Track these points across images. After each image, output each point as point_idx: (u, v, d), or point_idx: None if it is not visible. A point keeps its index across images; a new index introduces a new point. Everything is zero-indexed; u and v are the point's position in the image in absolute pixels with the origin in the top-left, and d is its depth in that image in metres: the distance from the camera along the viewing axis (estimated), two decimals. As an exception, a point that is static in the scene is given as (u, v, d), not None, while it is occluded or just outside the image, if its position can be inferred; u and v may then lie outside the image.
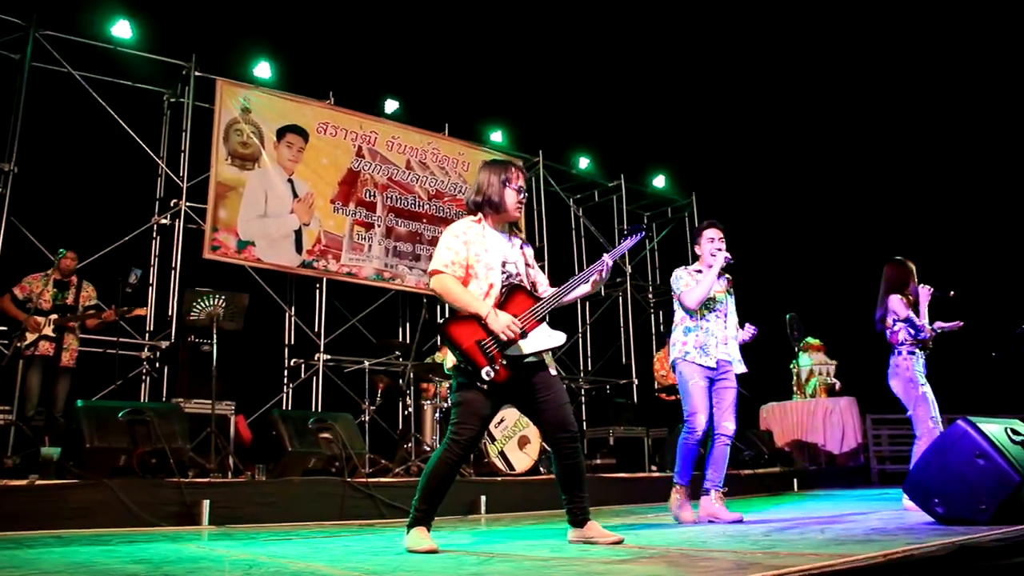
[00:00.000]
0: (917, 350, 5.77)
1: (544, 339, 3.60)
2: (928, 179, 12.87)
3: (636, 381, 12.50)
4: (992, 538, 3.30)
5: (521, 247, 3.84)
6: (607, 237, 12.79)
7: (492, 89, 11.24)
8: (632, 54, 12.64)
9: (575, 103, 12.39)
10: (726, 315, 5.20)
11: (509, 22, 11.10)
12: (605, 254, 3.79)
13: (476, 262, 3.63)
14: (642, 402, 11.96)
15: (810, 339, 11.32)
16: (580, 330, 12.84)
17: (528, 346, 3.55)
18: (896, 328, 5.80)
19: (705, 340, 5.04)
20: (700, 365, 4.98)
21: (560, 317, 12.04)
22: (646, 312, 13.68)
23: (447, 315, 3.59)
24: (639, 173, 13.28)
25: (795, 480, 9.31)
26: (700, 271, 5.17)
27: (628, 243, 4.03)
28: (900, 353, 5.79)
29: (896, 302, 5.83)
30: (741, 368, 5.14)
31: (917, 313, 5.81)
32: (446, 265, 3.60)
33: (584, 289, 3.80)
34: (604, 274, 3.78)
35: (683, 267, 5.29)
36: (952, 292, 5.86)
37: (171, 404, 6.80)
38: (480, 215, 3.77)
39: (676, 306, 5.25)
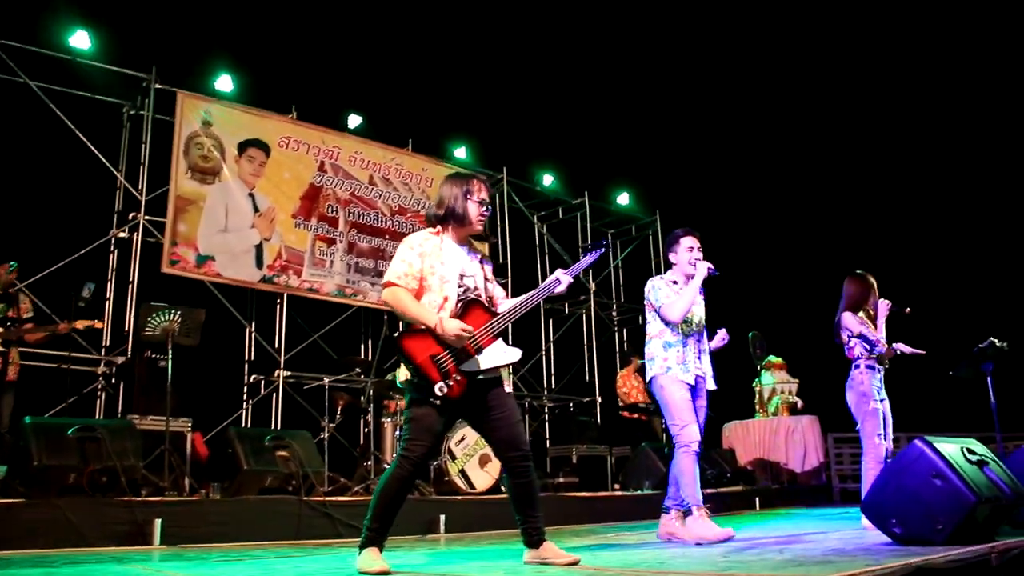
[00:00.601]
0: (876, 365, 5.81)
1: (500, 355, 3.56)
2: (890, 196, 13.07)
3: (600, 399, 12.47)
4: (948, 559, 3.30)
5: (481, 262, 3.79)
6: (571, 254, 12.79)
7: (456, 105, 11.24)
8: (597, 71, 12.71)
9: (539, 120, 12.42)
10: (703, 329, 5.09)
11: (474, 38, 11.12)
12: (560, 270, 3.76)
13: (431, 274, 3.58)
14: (605, 420, 11.95)
15: (772, 357, 11.39)
16: (543, 347, 12.80)
17: (483, 362, 3.51)
18: (851, 344, 5.85)
19: (684, 355, 4.90)
20: (682, 380, 4.84)
21: (523, 333, 12.07)
22: (610, 330, 13.68)
23: (401, 328, 3.53)
24: (603, 190, 13.32)
25: (757, 499, 9.33)
26: (676, 281, 5.02)
27: (587, 260, 4.01)
28: (858, 367, 5.82)
29: (848, 319, 5.88)
30: (712, 385, 5.03)
31: (876, 327, 5.86)
32: (399, 277, 3.55)
33: (537, 300, 3.77)
34: (560, 291, 3.75)
35: (657, 277, 5.11)
36: (908, 309, 5.92)
37: (123, 421, 6.64)
38: (439, 228, 3.72)
39: (652, 318, 5.05)
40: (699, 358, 4.98)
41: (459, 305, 3.55)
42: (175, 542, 5.07)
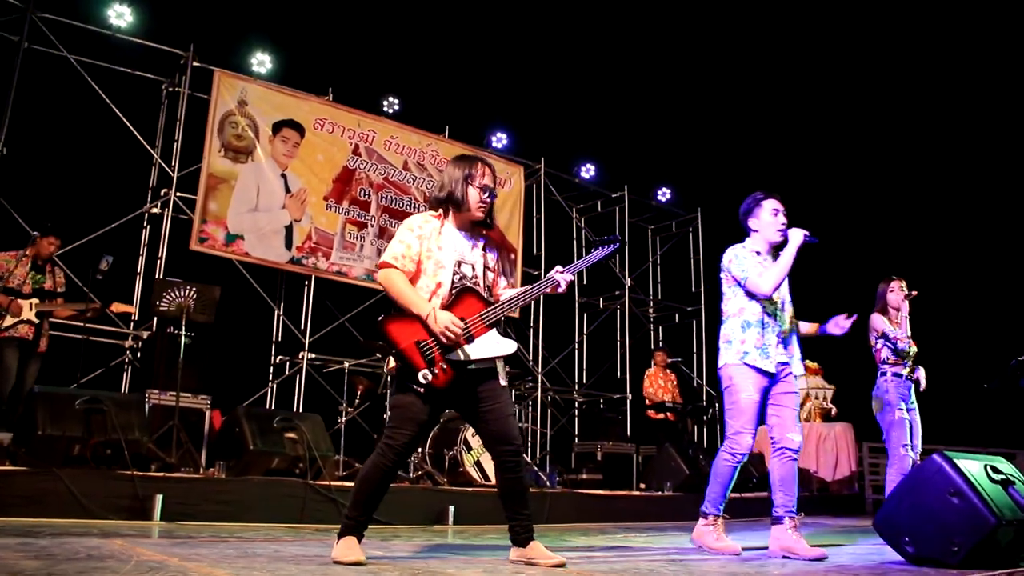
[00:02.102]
0: (902, 372, 5.58)
1: (492, 346, 3.42)
2: (934, 202, 12.63)
3: (630, 396, 12.26)
4: (955, 583, 3.09)
5: (485, 249, 3.64)
6: (608, 248, 12.58)
7: (496, 93, 11.10)
8: (640, 64, 12.47)
9: (581, 111, 12.23)
10: (790, 309, 4.47)
11: (516, 25, 10.96)
12: (558, 268, 3.59)
13: (427, 258, 3.46)
14: (635, 419, 11.75)
15: (807, 362, 11.07)
16: (576, 341, 12.64)
17: (474, 352, 3.37)
18: (878, 346, 5.64)
19: (766, 339, 4.29)
20: (758, 371, 4.23)
21: (556, 326, 11.92)
22: (644, 327, 13.45)
23: (388, 313, 3.41)
24: (644, 185, 13.07)
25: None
26: (758, 252, 4.41)
27: (594, 256, 3.75)
28: (884, 374, 5.63)
29: (876, 319, 5.70)
30: (800, 369, 4.39)
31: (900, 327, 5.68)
32: (395, 258, 3.43)
33: (533, 296, 3.62)
34: (560, 291, 3.59)
35: (738, 245, 4.46)
36: (914, 292, 5.69)
37: (131, 395, 6.67)
38: (440, 211, 3.60)
39: (731, 294, 4.42)
40: (783, 343, 4.34)
41: (452, 292, 3.42)
42: (175, 519, 5.04)
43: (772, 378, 4.29)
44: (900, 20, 12.15)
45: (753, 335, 4.28)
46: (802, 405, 10.78)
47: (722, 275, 4.49)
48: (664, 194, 13.21)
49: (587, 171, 12.40)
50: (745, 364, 4.25)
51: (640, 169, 12.95)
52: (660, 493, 8.48)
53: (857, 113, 12.97)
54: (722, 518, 4.39)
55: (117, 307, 6.98)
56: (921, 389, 5.69)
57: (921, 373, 5.67)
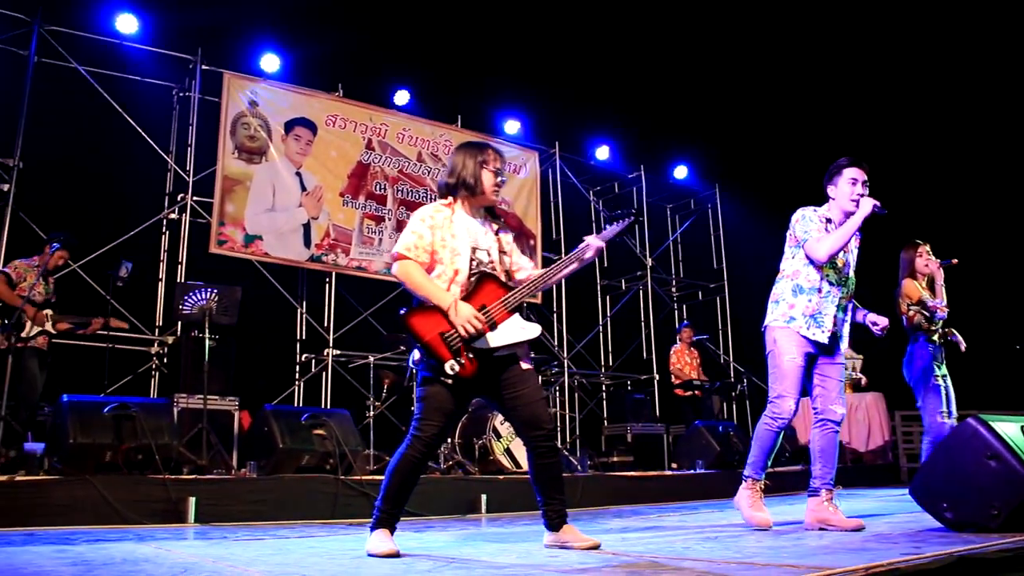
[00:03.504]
0: (935, 339, 5.49)
1: (515, 331, 3.38)
2: (961, 170, 12.42)
3: (657, 376, 12.19)
4: (999, 547, 3.03)
5: (497, 233, 3.61)
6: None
7: (506, 79, 11.00)
8: (650, 41, 12.32)
9: (592, 93, 12.10)
10: (851, 283, 4.32)
11: (522, 9, 10.85)
12: (591, 236, 3.56)
13: (441, 247, 3.43)
14: (663, 398, 11.71)
15: (835, 332, 10.96)
16: (600, 323, 12.59)
17: (497, 339, 3.34)
18: (910, 312, 5.54)
19: (819, 307, 4.15)
20: (805, 338, 4.12)
21: (579, 310, 11.87)
22: (668, 306, 13.37)
23: (411, 305, 3.39)
24: (660, 164, 12.97)
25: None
26: (830, 220, 4.25)
27: (617, 227, 3.74)
28: (916, 340, 5.55)
29: (909, 285, 5.60)
30: (844, 344, 4.30)
31: (934, 293, 5.56)
32: (408, 249, 3.40)
33: (565, 272, 3.58)
34: (589, 257, 3.55)
35: (810, 208, 4.30)
36: (955, 260, 5.59)
37: (160, 400, 6.70)
38: (451, 199, 3.57)
39: (791, 253, 4.29)
40: (839, 315, 4.20)
41: (471, 279, 3.40)
42: (208, 520, 5.06)
43: (820, 348, 4.18)
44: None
45: (804, 301, 4.17)
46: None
47: (788, 232, 4.35)
48: (681, 172, 13.11)
49: (602, 153, 12.31)
50: (790, 328, 4.15)
51: (655, 148, 12.84)
52: (692, 471, 8.43)
53: (872, 83, 12.76)
54: (762, 483, 4.32)
55: (115, 323, 7.00)
56: (963, 350, 5.61)
57: (959, 336, 5.60)
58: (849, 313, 4.33)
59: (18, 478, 4.87)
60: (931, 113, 12.38)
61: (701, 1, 11.89)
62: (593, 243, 3.53)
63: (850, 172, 4.24)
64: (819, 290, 4.16)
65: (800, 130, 12.75)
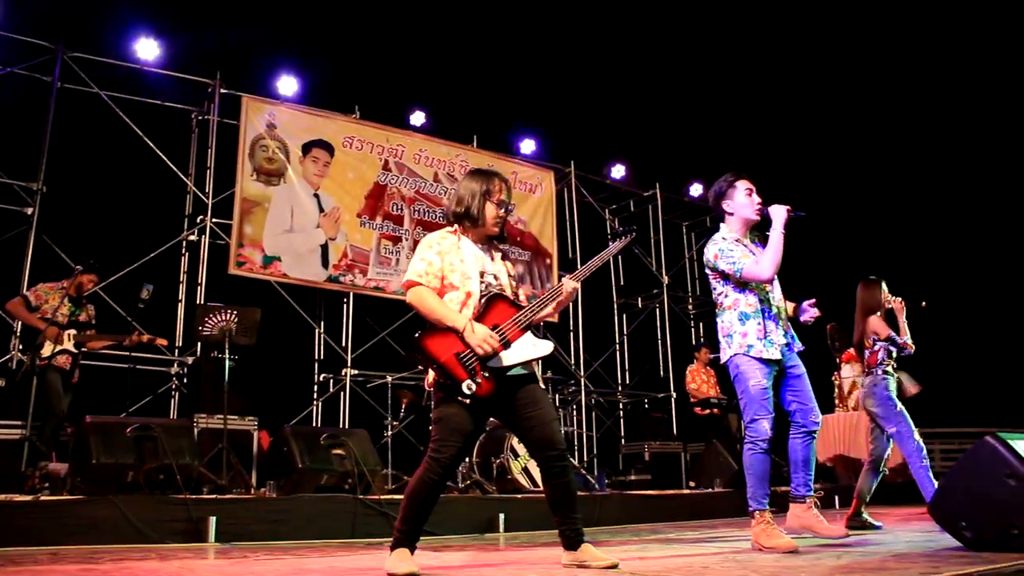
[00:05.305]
0: (891, 370, 5.68)
1: (528, 349, 3.42)
2: (943, 186, 12.39)
3: (674, 395, 12.19)
4: (1016, 568, 3.02)
5: (504, 259, 3.68)
6: (643, 247, 12.55)
7: (521, 99, 11.12)
8: (664, 61, 12.41)
9: (607, 111, 12.20)
10: (776, 289, 4.37)
11: (538, 31, 10.97)
12: (566, 276, 3.60)
13: (451, 272, 3.47)
14: (681, 416, 11.68)
15: (849, 350, 10.91)
16: (617, 341, 12.59)
17: (511, 357, 3.37)
18: (876, 348, 5.70)
19: (767, 327, 4.22)
20: (765, 362, 4.19)
21: (596, 328, 11.88)
22: (685, 324, 13.36)
23: (423, 329, 3.43)
24: (675, 181, 13.01)
25: (836, 497, 8.94)
26: (738, 239, 4.33)
27: (610, 250, 3.79)
28: (876, 373, 5.71)
29: (876, 323, 5.75)
30: (799, 346, 4.37)
31: (896, 329, 5.72)
32: (420, 275, 3.45)
33: (542, 315, 3.57)
34: (563, 299, 3.55)
35: (717, 236, 4.35)
36: (924, 303, 5.71)
37: (180, 420, 6.77)
38: (457, 227, 3.61)
39: (723, 288, 4.34)
40: (781, 325, 4.29)
41: (483, 300, 3.44)
42: (229, 540, 5.10)
43: (779, 363, 4.26)
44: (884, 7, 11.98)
45: (752, 326, 4.23)
46: (849, 393, 10.64)
47: (708, 271, 4.43)
48: (695, 189, 13.13)
49: (617, 171, 12.35)
50: (751, 356, 4.21)
51: (670, 165, 12.89)
52: (710, 490, 8.41)
53: (873, 108, 12.79)
54: (769, 512, 4.25)
55: (148, 338, 7.07)
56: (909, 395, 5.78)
57: (907, 378, 5.77)
58: (785, 319, 4.41)
59: (42, 498, 4.93)
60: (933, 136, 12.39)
61: (715, 22, 11.96)
62: (567, 285, 3.54)
63: (743, 184, 4.39)
64: (762, 312, 4.26)
65: (815, 149, 12.77)
